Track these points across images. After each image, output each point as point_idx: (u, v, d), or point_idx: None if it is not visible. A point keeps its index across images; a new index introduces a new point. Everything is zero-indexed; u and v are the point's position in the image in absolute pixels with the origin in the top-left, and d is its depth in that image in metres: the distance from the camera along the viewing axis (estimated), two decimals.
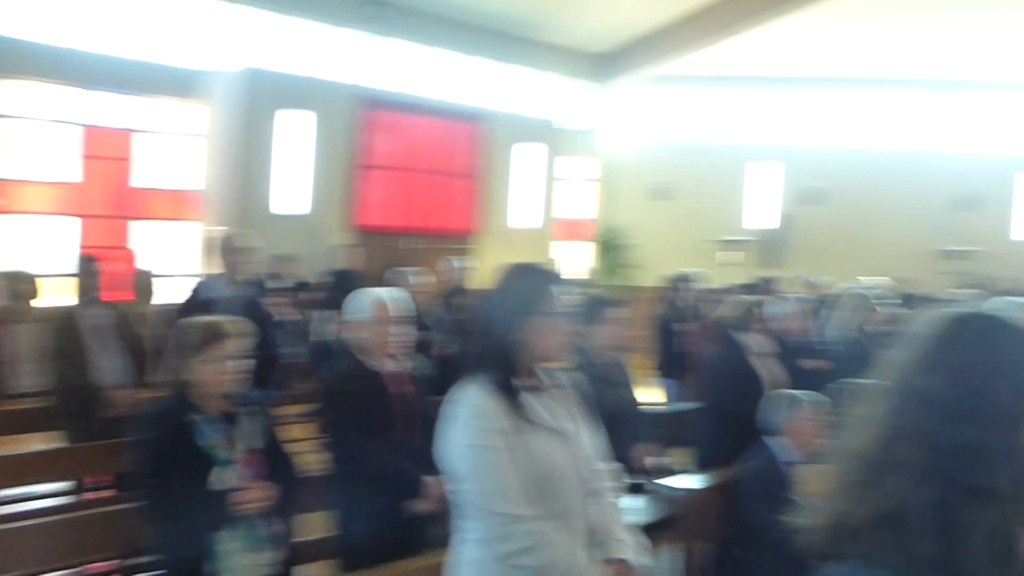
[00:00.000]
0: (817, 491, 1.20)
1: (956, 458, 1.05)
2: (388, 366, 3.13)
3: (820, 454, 3.43)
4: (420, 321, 3.84)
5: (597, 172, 14.50)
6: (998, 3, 11.77)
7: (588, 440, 2.20)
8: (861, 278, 9.43)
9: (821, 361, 5.17)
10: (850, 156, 14.47)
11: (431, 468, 2.50)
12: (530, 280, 2.12)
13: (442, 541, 2.48)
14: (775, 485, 3.21)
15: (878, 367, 1.20)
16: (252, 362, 2.81)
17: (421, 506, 2.95)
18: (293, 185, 9.65)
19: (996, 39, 12.79)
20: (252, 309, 4.36)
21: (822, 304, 7.61)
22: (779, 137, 14.62)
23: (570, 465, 2.07)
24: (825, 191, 14.37)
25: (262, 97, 9.34)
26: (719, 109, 14.80)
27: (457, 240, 11.41)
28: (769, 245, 14.20)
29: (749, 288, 6.78)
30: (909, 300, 6.48)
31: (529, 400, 2.05)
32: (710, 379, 4.83)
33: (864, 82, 14.42)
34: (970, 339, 1.11)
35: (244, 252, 4.75)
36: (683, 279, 7.11)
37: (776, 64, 13.92)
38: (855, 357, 5.14)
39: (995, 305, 3.96)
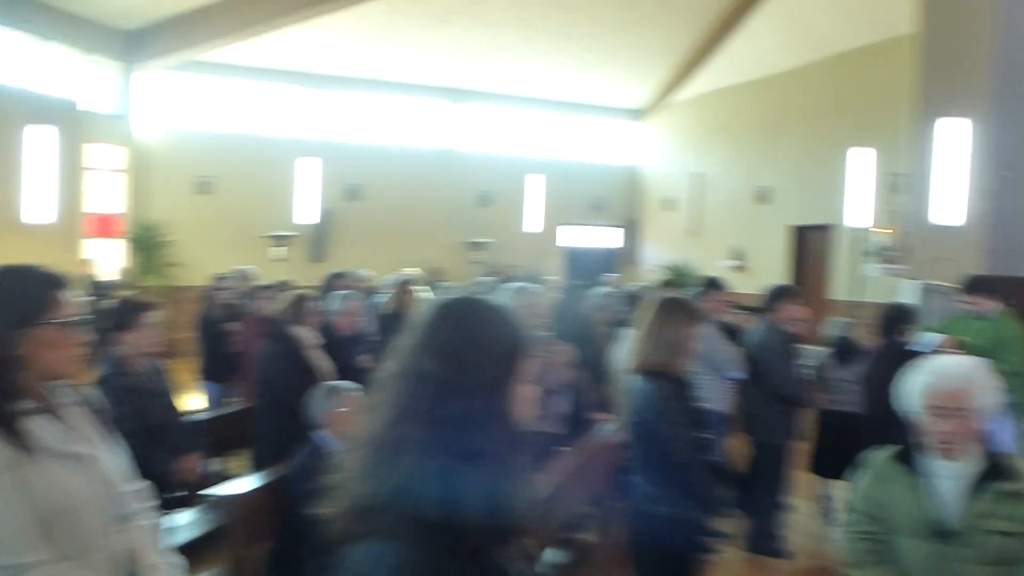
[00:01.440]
0: (339, 477, 1.26)
1: (452, 429, 1.18)
2: None
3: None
4: None
5: (130, 162, 13.24)
6: (506, 26, 13.61)
7: (113, 462, 1.98)
8: (405, 270, 10.13)
9: (370, 353, 5.40)
10: (385, 154, 15.44)
11: None
12: (26, 284, 1.81)
13: None
14: (321, 478, 3.23)
15: (390, 353, 1.30)
16: None
17: None
18: None
19: (511, 58, 14.77)
20: None
21: (369, 295, 8.05)
22: (319, 132, 14.93)
23: (91, 493, 1.83)
24: (363, 187, 15.13)
25: None
26: (262, 102, 14.60)
27: None
28: (314, 240, 14.49)
29: (326, 282, 6.79)
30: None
31: (35, 425, 1.76)
32: (263, 376, 4.73)
33: (399, 86, 15.50)
34: (455, 322, 1.26)
35: None
36: (227, 277, 6.86)
37: (315, 61, 14.23)
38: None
39: (505, 289, 4.57)
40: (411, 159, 15.70)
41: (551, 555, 3.89)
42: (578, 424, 5.02)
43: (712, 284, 5.39)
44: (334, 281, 6.77)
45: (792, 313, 4.99)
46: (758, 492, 5.10)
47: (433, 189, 15.70)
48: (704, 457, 3.18)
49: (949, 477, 2.29)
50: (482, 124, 16.54)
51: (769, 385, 4.88)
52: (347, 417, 3.49)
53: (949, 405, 2.23)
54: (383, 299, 7.43)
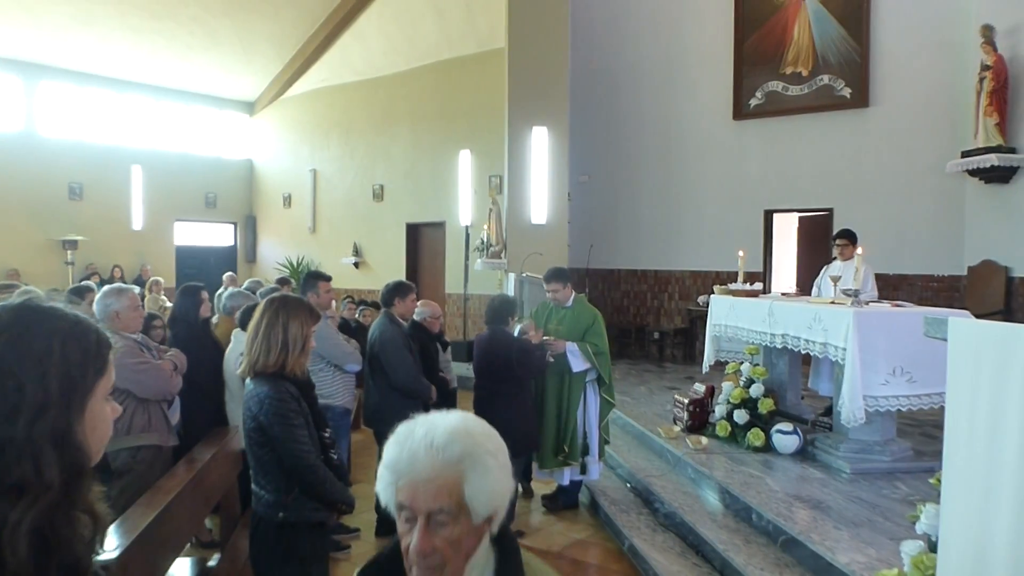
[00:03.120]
0: None
1: None
2: None
3: None
4: None
5: None
6: None
7: None
8: None
9: None
10: None
11: None
12: None
13: None
14: None
15: None
16: None
17: None
18: None
19: (100, 33, 13.19)
20: None
21: None
22: None
23: None
24: None
25: None
26: None
27: None
28: None
29: None
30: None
31: None
32: None
33: None
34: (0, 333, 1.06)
35: None
36: None
37: None
38: None
39: (98, 291, 4.09)
40: None
41: None
42: (193, 433, 4.70)
43: (313, 277, 5.35)
44: None
45: (408, 307, 5.20)
46: None
47: (8, 177, 13.48)
48: (326, 456, 3.15)
49: None
50: (70, 106, 14.56)
51: (388, 377, 5.03)
52: None
53: (417, 506, 1.28)
54: None
